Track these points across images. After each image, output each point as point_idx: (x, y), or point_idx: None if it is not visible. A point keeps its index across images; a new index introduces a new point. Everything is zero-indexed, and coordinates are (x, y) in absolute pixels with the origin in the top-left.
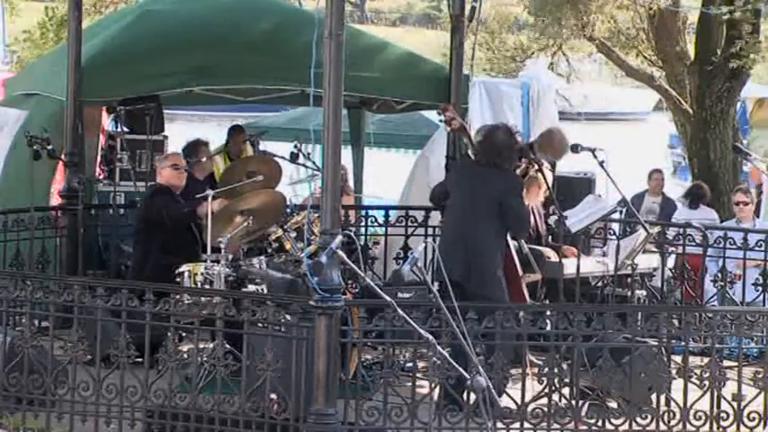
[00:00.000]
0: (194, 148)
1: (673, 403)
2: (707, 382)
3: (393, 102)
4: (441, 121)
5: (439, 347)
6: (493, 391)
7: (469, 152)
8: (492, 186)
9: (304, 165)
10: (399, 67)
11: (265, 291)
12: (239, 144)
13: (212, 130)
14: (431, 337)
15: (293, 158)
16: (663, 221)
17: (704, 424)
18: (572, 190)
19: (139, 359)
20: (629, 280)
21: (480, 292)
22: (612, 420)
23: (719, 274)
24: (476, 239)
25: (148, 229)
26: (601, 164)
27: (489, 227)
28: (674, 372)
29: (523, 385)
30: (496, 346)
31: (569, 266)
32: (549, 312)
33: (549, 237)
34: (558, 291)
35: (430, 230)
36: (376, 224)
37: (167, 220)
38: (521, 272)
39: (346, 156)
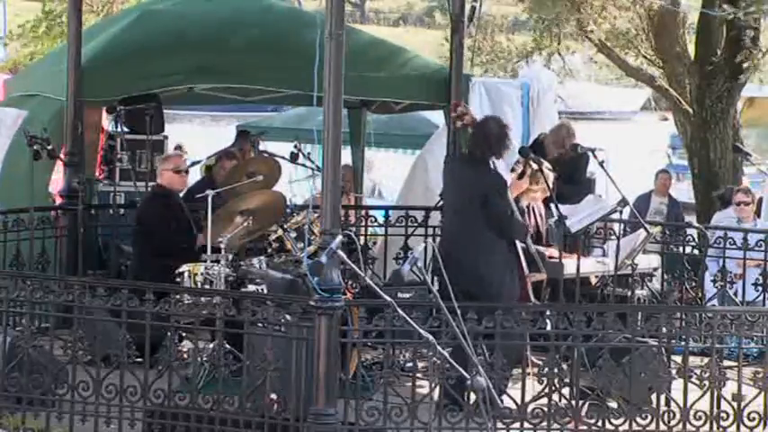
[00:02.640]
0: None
1: (673, 403)
2: (707, 382)
3: (392, 102)
4: (455, 118)
5: (439, 347)
6: (493, 390)
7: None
8: (476, 185)
9: (304, 165)
10: (399, 67)
11: (265, 291)
12: (244, 152)
13: (211, 129)
14: (431, 337)
15: (293, 158)
16: (666, 222)
17: (704, 424)
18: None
19: (139, 359)
20: (629, 280)
21: (488, 292)
22: (612, 420)
23: (719, 274)
24: (473, 241)
25: (146, 231)
26: (601, 164)
27: (482, 226)
28: (674, 372)
29: (523, 385)
30: (497, 345)
31: (569, 266)
32: (549, 312)
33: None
34: (558, 291)
35: (430, 230)
36: (376, 224)
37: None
38: (526, 271)
39: (346, 156)
